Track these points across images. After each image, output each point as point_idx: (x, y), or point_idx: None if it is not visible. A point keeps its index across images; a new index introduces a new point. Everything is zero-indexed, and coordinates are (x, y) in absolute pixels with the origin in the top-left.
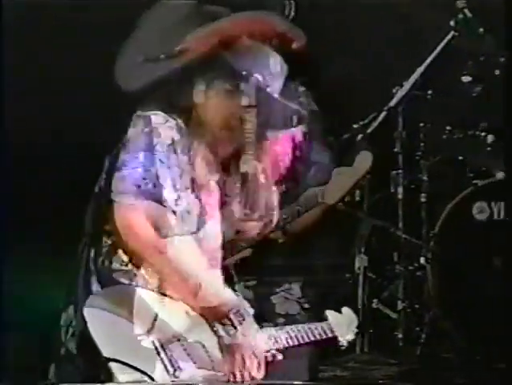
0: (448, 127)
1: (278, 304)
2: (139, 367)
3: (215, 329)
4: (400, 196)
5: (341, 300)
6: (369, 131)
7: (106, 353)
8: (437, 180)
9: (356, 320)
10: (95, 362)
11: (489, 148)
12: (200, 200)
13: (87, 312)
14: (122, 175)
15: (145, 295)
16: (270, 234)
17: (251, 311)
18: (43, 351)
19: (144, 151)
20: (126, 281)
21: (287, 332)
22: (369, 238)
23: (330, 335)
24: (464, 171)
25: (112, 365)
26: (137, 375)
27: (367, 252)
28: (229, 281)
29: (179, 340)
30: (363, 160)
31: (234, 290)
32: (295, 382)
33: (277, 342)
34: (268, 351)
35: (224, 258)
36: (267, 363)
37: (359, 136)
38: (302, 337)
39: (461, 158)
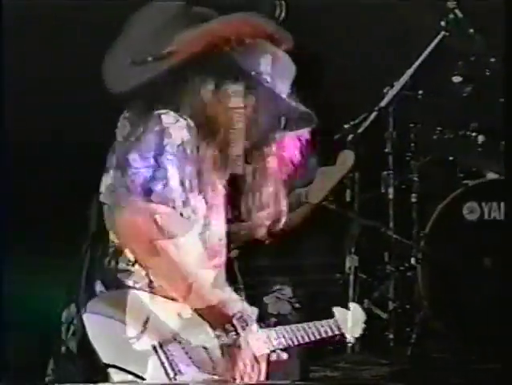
0: (438, 128)
1: (271, 304)
2: (139, 374)
3: (217, 333)
4: (390, 197)
5: (332, 300)
6: (360, 131)
7: (105, 359)
8: (428, 180)
9: (364, 316)
10: (94, 366)
11: (479, 149)
12: (206, 200)
13: (86, 318)
14: (130, 175)
15: (145, 298)
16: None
17: (255, 313)
18: (43, 351)
19: (154, 152)
20: (130, 283)
21: (293, 331)
22: (360, 238)
23: (336, 332)
24: (454, 171)
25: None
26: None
27: (357, 252)
28: (233, 282)
29: (180, 342)
30: (345, 159)
31: (238, 291)
32: (286, 382)
33: (282, 341)
34: (274, 351)
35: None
36: (272, 363)
37: (350, 136)
38: (308, 335)
39: (451, 158)
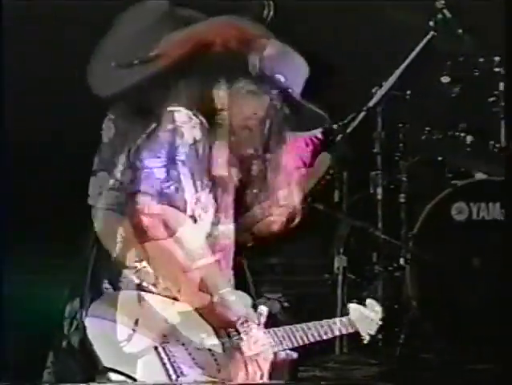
0: (427, 128)
1: (259, 303)
2: (136, 377)
3: (221, 337)
4: (379, 197)
5: (320, 300)
6: (348, 131)
7: (106, 362)
8: (416, 180)
9: (381, 312)
10: (94, 365)
11: (468, 149)
12: (216, 199)
13: (88, 322)
14: (142, 174)
15: (148, 298)
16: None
17: (265, 312)
18: (43, 351)
19: (166, 151)
20: (136, 280)
21: (303, 330)
22: (348, 239)
23: (351, 331)
24: (443, 171)
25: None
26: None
27: (346, 252)
28: (242, 281)
29: (183, 344)
30: (322, 162)
31: (248, 291)
32: (275, 382)
33: (293, 340)
34: (284, 350)
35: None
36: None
37: (339, 137)
38: (320, 334)
39: (440, 158)
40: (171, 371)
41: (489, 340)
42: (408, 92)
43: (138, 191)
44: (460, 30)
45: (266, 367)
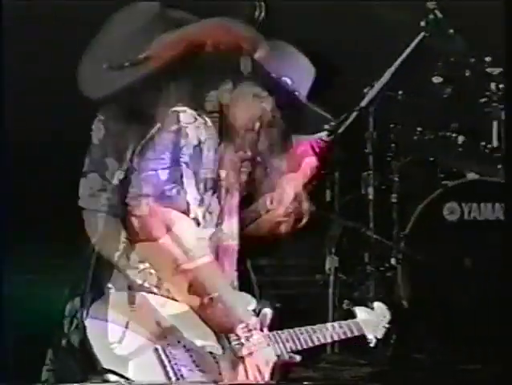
0: (419, 128)
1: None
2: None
3: (221, 340)
4: (370, 197)
5: (312, 300)
6: (340, 131)
7: (105, 364)
8: (408, 180)
9: (388, 316)
10: (93, 365)
11: (460, 149)
12: (220, 201)
13: (89, 323)
14: (146, 176)
15: (150, 300)
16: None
17: (269, 314)
18: (43, 351)
19: (170, 153)
20: (139, 280)
21: (308, 332)
22: (340, 239)
23: (357, 334)
24: (435, 172)
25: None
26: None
27: (337, 252)
28: (246, 283)
29: (184, 346)
30: (309, 166)
31: (252, 293)
32: (267, 382)
33: (296, 343)
34: (290, 352)
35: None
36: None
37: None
38: (325, 337)
39: (431, 159)
40: (171, 374)
41: (481, 340)
42: (400, 92)
43: (141, 193)
44: (451, 31)
45: (266, 371)
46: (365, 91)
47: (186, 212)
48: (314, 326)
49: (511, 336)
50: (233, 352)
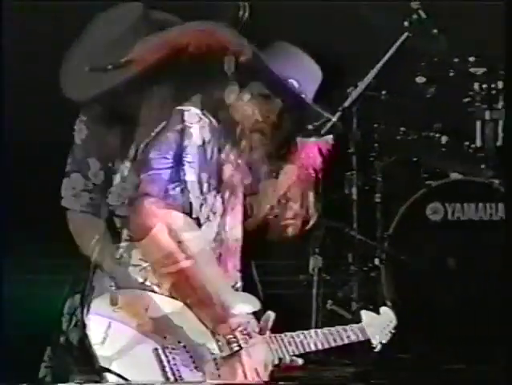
0: (402, 128)
1: None
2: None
3: (219, 343)
4: (354, 197)
5: (295, 300)
6: (323, 131)
7: (103, 362)
8: (392, 180)
9: (394, 321)
10: (92, 363)
11: (443, 149)
12: (224, 201)
13: (89, 319)
14: (149, 175)
15: (151, 298)
16: None
17: (272, 317)
18: (43, 351)
19: (174, 152)
20: (140, 279)
21: (311, 336)
22: (323, 239)
23: (362, 339)
24: (418, 172)
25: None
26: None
27: (321, 253)
28: (250, 284)
29: (185, 347)
30: (288, 174)
31: (256, 293)
32: (251, 382)
33: (299, 347)
34: (295, 355)
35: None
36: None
37: (313, 137)
38: (329, 341)
39: (415, 159)
40: (169, 374)
41: (465, 340)
42: (384, 92)
43: (143, 193)
44: (435, 31)
45: (265, 375)
46: (348, 91)
47: (189, 212)
48: (318, 330)
49: (495, 336)
50: (232, 354)
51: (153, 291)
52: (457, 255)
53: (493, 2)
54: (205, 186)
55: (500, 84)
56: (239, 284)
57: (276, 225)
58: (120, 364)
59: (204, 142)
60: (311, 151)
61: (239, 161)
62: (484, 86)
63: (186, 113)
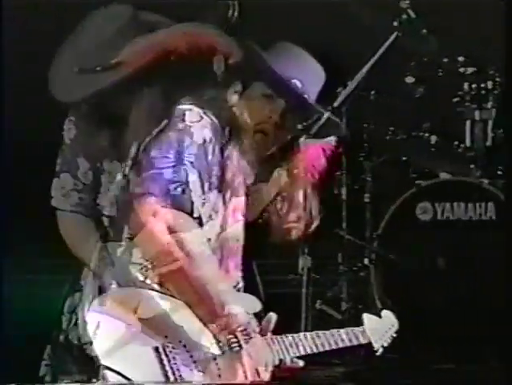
0: (391, 128)
1: None
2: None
3: (220, 342)
4: (343, 197)
5: (285, 300)
6: (312, 132)
7: (103, 360)
8: (381, 180)
9: (396, 325)
10: (91, 361)
11: (432, 149)
12: (225, 201)
13: (90, 317)
14: (150, 175)
15: (151, 297)
16: None
17: (274, 319)
18: (43, 351)
19: (175, 152)
20: (140, 277)
21: (313, 338)
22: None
23: (363, 342)
24: (407, 171)
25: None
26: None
27: (310, 253)
28: (251, 284)
29: (185, 346)
30: (278, 178)
31: (258, 294)
32: (237, 382)
33: (300, 348)
34: (293, 357)
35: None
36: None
37: (303, 137)
38: (330, 343)
39: (404, 159)
40: (169, 373)
41: (455, 340)
42: (373, 92)
43: (144, 192)
44: (424, 31)
45: (266, 376)
46: (338, 90)
47: (190, 211)
48: (319, 332)
49: (484, 335)
50: (233, 354)
51: (154, 290)
52: (447, 255)
53: (482, 2)
54: (207, 185)
55: (489, 84)
56: (241, 284)
57: (279, 228)
58: (120, 362)
59: (205, 141)
60: (314, 153)
61: (241, 161)
62: (473, 86)
63: (187, 112)
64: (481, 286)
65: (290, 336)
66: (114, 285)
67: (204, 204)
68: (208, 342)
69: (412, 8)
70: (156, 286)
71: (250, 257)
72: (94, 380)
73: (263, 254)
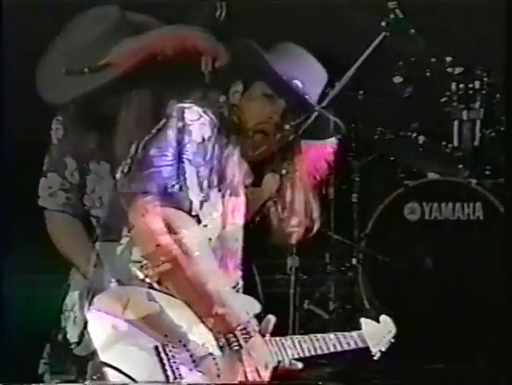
0: (379, 128)
1: None
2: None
3: (220, 342)
4: (331, 197)
5: (273, 300)
6: (301, 131)
7: (103, 357)
8: (369, 180)
9: (394, 330)
10: (91, 360)
11: (420, 149)
12: (224, 200)
13: (90, 315)
14: (148, 173)
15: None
16: None
17: (273, 321)
18: (43, 351)
19: (174, 150)
20: (140, 275)
21: (311, 341)
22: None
23: (361, 345)
24: (395, 171)
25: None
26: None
27: (298, 252)
28: (251, 284)
29: (185, 345)
30: (270, 182)
31: (257, 294)
32: (229, 383)
33: (299, 350)
34: (292, 359)
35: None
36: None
37: (291, 137)
38: (328, 346)
39: (392, 158)
40: (169, 372)
41: (444, 340)
42: (361, 92)
43: (143, 190)
44: (412, 31)
45: (265, 376)
46: (326, 90)
47: (189, 210)
48: (318, 335)
49: (474, 335)
50: (232, 354)
51: (153, 288)
52: (435, 255)
53: (470, 2)
54: (205, 184)
55: (477, 84)
56: (240, 284)
57: (281, 232)
58: (120, 360)
59: (204, 139)
60: (316, 154)
61: (241, 161)
62: (461, 86)
63: (187, 110)
64: (470, 286)
65: (288, 338)
66: (114, 283)
67: (203, 202)
68: (208, 342)
69: (400, 8)
70: (155, 285)
71: (250, 257)
72: (89, 380)
73: (253, 254)
